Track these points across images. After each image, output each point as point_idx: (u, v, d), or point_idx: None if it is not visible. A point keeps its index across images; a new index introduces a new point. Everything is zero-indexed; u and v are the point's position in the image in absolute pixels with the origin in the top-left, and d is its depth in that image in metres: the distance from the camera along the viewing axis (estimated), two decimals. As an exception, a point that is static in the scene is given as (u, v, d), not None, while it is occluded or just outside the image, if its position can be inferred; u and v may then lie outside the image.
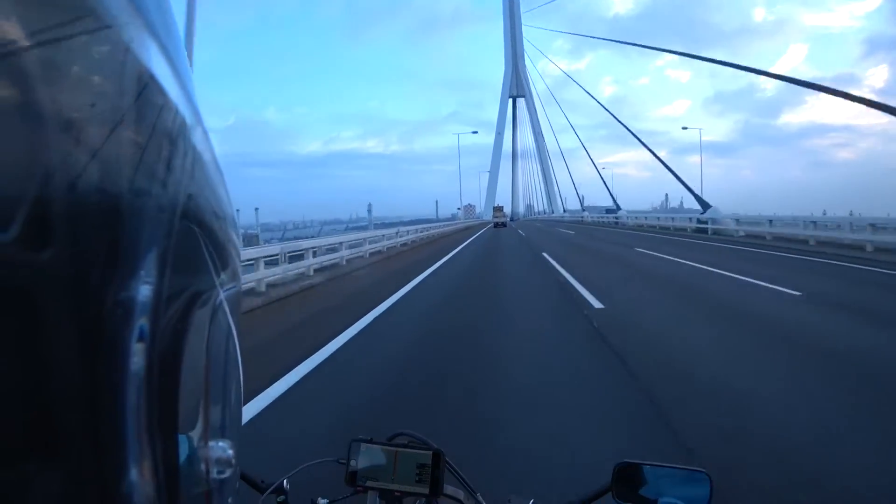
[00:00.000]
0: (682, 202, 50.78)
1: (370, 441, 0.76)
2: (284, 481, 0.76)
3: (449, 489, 0.76)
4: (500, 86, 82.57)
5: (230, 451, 0.37)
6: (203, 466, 0.34)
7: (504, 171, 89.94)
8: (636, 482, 0.74)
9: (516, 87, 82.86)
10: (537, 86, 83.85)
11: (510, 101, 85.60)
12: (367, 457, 0.75)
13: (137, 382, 0.25)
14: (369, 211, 41.79)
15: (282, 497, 0.75)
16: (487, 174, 75.42)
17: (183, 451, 0.30)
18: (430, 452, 0.74)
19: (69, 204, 0.21)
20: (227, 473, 0.37)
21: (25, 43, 0.20)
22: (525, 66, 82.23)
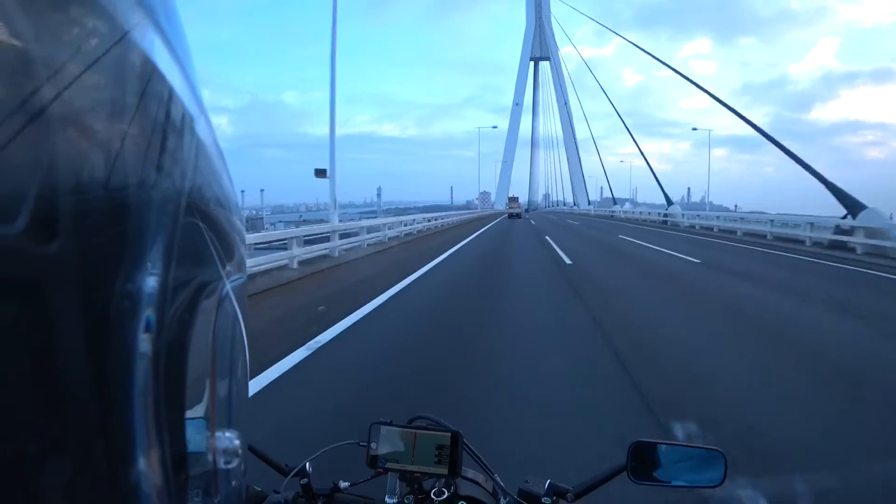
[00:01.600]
0: (704, 196, 45.70)
1: (390, 424, 0.78)
2: (307, 464, 0.78)
3: (469, 472, 0.78)
4: (519, 66, 68.29)
5: (237, 440, 0.37)
6: (210, 453, 0.34)
7: (520, 157, 79.11)
8: (651, 461, 0.75)
9: (539, 46, 68.66)
10: (559, 67, 68.72)
11: (531, 64, 71.34)
12: (387, 439, 0.77)
13: (144, 372, 0.26)
14: (378, 195, 40.41)
15: (305, 479, 0.76)
16: (501, 139, 66.50)
17: (190, 439, 0.31)
18: (449, 434, 0.75)
19: (75, 197, 0.22)
20: (234, 460, 0.37)
21: (29, 38, 0.20)
22: (551, 21, 67.42)
